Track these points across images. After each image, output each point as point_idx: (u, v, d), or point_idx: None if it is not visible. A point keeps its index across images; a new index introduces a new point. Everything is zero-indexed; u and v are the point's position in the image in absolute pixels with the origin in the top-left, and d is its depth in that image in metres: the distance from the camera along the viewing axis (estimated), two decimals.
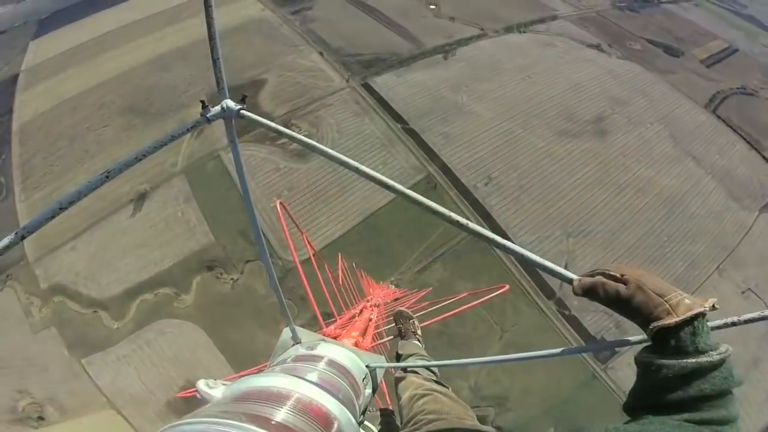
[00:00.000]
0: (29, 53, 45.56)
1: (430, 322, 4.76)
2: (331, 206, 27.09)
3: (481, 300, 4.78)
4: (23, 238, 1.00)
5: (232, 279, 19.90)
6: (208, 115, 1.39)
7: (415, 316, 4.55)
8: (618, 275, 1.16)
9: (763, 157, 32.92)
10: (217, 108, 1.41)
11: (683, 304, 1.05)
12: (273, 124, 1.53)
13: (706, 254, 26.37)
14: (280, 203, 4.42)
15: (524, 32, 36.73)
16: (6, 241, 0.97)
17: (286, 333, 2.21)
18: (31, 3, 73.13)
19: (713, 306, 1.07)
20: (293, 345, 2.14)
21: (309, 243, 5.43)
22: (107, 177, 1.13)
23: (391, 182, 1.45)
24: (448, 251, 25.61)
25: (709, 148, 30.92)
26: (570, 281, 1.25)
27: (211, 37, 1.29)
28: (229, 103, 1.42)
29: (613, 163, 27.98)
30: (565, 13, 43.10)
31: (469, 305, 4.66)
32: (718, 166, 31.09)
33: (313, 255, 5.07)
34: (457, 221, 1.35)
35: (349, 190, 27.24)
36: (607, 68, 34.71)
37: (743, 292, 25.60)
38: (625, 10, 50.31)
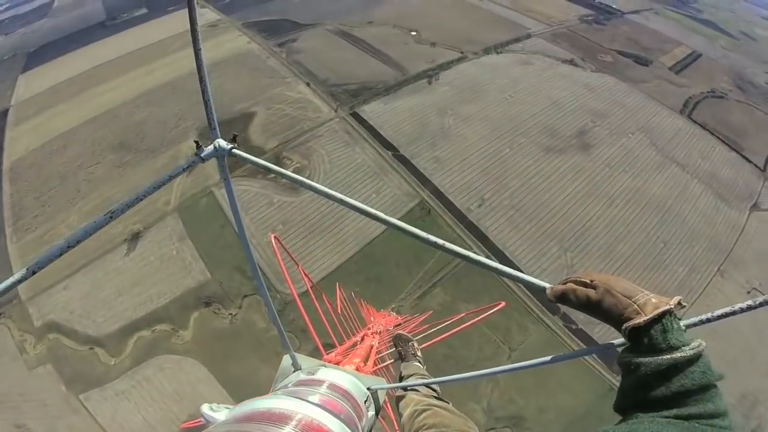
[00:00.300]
0: (18, 87, 42.80)
1: (430, 343, 4.63)
2: (327, 238, 26.30)
3: (480, 318, 4.61)
4: (34, 273, 1.08)
5: (230, 314, 19.72)
6: (202, 155, 1.46)
7: (414, 338, 4.43)
8: (588, 281, 1.22)
9: (744, 157, 33.77)
10: (210, 147, 1.47)
11: (650, 303, 1.09)
12: (262, 162, 1.59)
13: (704, 257, 26.30)
14: (275, 237, 4.18)
15: (501, 53, 37.52)
16: (18, 276, 1.05)
17: (286, 360, 2.17)
18: (20, 35, 72.26)
19: (680, 303, 1.10)
20: (294, 372, 2.11)
21: (305, 275, 5.20)
22: (111, 217, 1.26)
23: (374, 211, 1.49)
24: (447, 275, 24.91)
25: (690, 152, 31.52)
26: (543, 289, 1.29)
27: (201, 79, 1.38)
28: (221, 142, 1.48)
29: (601, 176, 28.16)
30: (538, 31, 44.43)
31: (468, 324, 4.49)
32: (702, 169, 31.61)
33: (311, 287, 4.87)
34: (434, 242, 1.42)
35: (344, 220, 26.57)
36: (584, 82, 35.40)
37: (749, 292, 25.38)
38: (593, 24, 52.34)
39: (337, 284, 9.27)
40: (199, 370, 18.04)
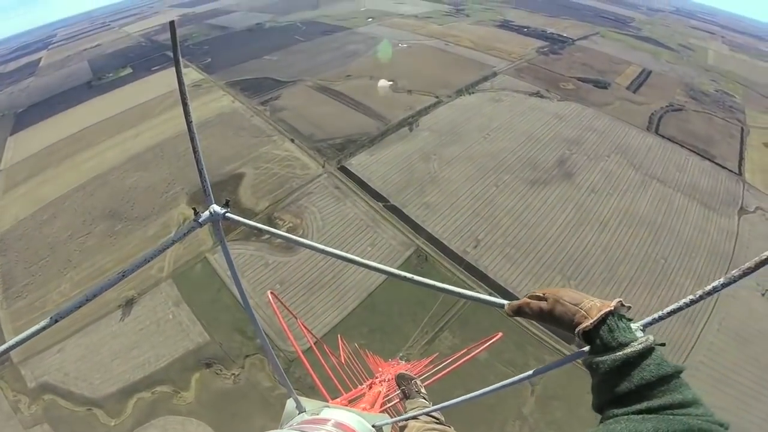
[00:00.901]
0: (7, 150, 42.38)
1: (433, 380, 4.76)
2: (326, 294, 25.12)
3: (480, 350, 4.76)
4: (56, 321, 1.19)
5: (233, 374, 19.61)
6: (200, 221, 1.60)
7: (417, 377, 4.51)
8: (541, 294, 1.33)
9: (718, 164, 34.62)
10: (206, 213, 1.61)
11: (595, 307, 1.19)
12: (255, 224, 1.73)
13: (707, 266, 25.80)
14: (272, 293, 4.30)
15: (473, 93, 38.75)
16: (42, 323, 1.15)
17: (291, 404, 2.13)
18: (7, 95, 72.89)
19: (621, 303, 1.20)
20: (299, 414, 2.08)
21: (306, 329, 5.19)
22: (123, 276, 1.38)
23: (371, 263, 1.60)
24: (453, 318, 23.72)
25: (667, 167, 32.04)
26: (501, 306, 1.41)
27: (195, 150, 1.50)
28: (216, 207, 1.61)
29: (588, 202, 28.07)
30: (503, 68, 46.60)
31: (469, 356, 4.61)
32: (682, 182, 32.07)
33: (315, 343, 4.89)
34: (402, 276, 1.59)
35: (343, 275, 25.49)
36: (553, 112, 36.14)
37: (763, 294, 25.01)
38: (550, 54, 55.52)
39: (339, 336, 8.93)
40: (205, 431, 17.67)
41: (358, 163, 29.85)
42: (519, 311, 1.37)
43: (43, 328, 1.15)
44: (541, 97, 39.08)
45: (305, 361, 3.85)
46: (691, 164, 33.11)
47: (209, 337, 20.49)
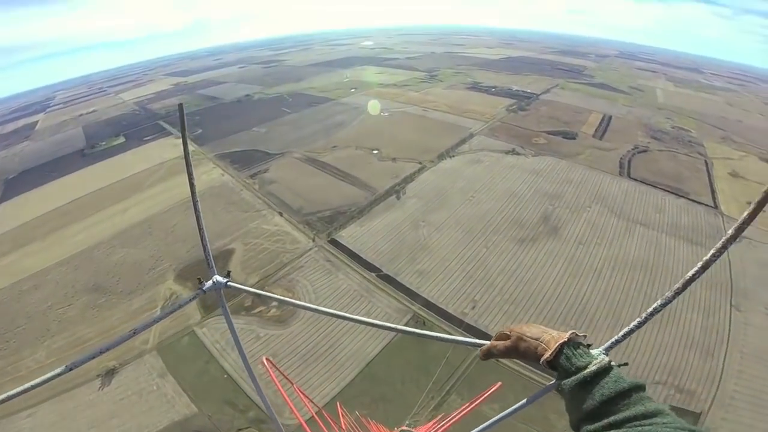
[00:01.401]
0: None
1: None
2: (323, 365, 23.35)
3: (480, 400, 4.85)
4: (71, 369, 1.30)
5: None
6: (204, 288, 1.84)
7: None
8: (507, 332, 1.55)
9: (693, 200, 35.53)
10: (210, 282, 1.85)
11: (553, 339, 1.42)
12: (256, 291, 2.04)
13: (711, 298, 24.95)
14: (267, 359, 4.32)
15: (453, 156, 40.94)
16: (58, 370, 1.26)
17: None
18: (0, 160, 71.22)
19: (576, 334, 1.44)
20: None
21: (304, 395, 4.97)
22: (134, 333, 1.52)
23: (371, 320, 1.73)
24: (460, 380, 22.17)
25: (646, 210, 32.79)
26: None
27: (200, 227, 1.78)
28: (218, 277, 1.85)
29: (578, 254, 28.02)
30: (478, 129, 49.84)
31: (470, 408, 4.63)
32: (664, 222, 32.72)
33: (316, 412, 4.83)
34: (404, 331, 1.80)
35: (339, 345, 24.02)
36: (530, 168, 37.40)
37: None
38: (518, 111, 60.04)
39: (338, 404, 8.30)
40: None
41: (348, 235, 30.12)
42: (489, 354, 1.57)
43: (59, 374, 1.21)
44: (517, 154, 41.32)
45: (308, 430, 3.85)
46: (668, 204, 34.05)
47: (197, 408, 19.68)
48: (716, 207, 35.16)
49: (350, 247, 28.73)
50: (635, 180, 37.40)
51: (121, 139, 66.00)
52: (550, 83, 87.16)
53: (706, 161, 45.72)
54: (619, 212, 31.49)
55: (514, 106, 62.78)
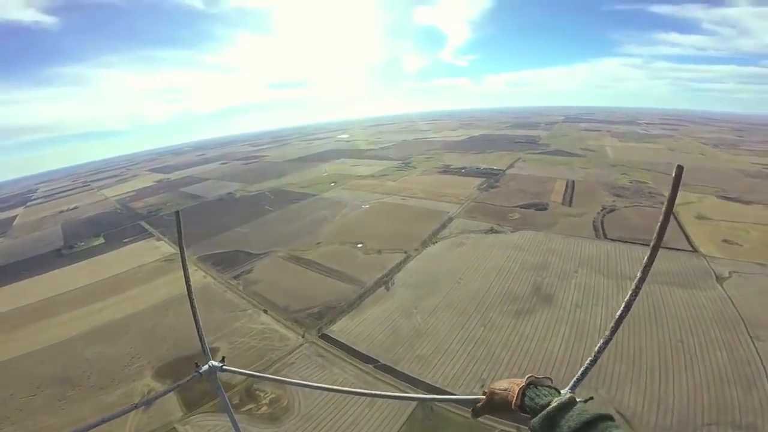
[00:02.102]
0: None
1: None
2: None
3: None
4: None
5: None
6: (200, 371, 2.18)
7: None
8: (484, 391, 1.95)
9: (672, 248, 36.85)
10: (206, 366, 2.19)
11: (517, 386, 1.79)
12: (252, 372, 3.34)
13: (727, 336, 24.35)
14: None
15: (436, 242, 43.46)
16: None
17: None
18: None
19: (534, 377, 1.82)
20: None
21: None
22: (135, 407, 2.68)
23: (375, 392, 2.41)
24: None
25: (631, 265, 34.31)
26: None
27: (194, 313, 2.44)
28: (213, 362, 2.21)
29: (578, 317, 28.09)
30: (455, 212, 54.37)
31: None
32: (652, 274, 34.59)
33: None
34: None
35: None
36: (512, 244, 39.72)
37: None
38: (489, 189, 66.67)
39: None
40: None
41: (339, 329, 29.88)
42: (476, 412, 1.93)
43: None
44: (496, 232, 44.60)
45: None
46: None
47: None
48: (695, 250, 37.87)
49: (343, 341, 28.30)
50: (612, 240, 40.43)
51: (101, 240, 65.96)
52: (512, 157, 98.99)
53: None
54: (605, 272, 33.25)
55: (484, 185, 69.46)
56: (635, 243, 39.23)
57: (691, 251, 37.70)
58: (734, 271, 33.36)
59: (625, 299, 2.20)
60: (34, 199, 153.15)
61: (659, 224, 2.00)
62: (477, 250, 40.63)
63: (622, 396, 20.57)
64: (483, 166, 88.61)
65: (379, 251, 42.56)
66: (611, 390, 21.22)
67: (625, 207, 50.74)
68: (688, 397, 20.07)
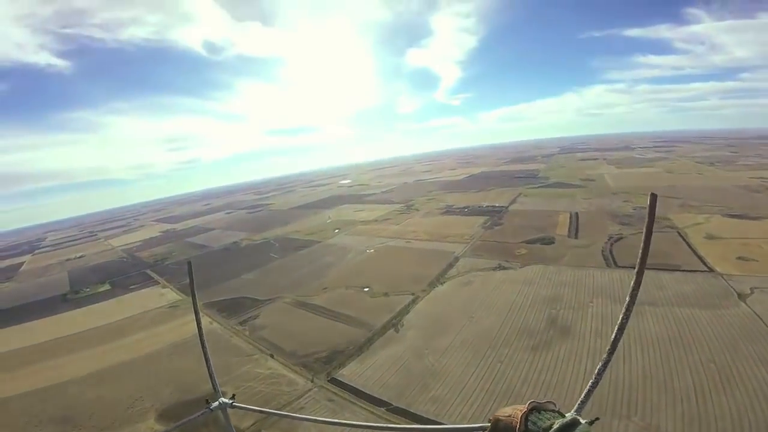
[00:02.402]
0: None
1: None
2: None
3: None
4: None
5: None
6: (210, 407, 2.57)
7: None
8: (489, 418, 2.01)
9: (686, 270, 36.70)
10: (216, 402, 2.61)
11: (520, 412, 1.83)
12: (262, 409, 2.98)
13: (759, 352, 23.53)
14: None
15: (444, 282, 43.25)
16: None
17: None
18: None
19: (537, 403, 1.87)
20: None
21: None
22: None
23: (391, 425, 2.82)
24: None
25: (647, 290, 32.64)
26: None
27: (206, 355, 2.97)
28: (224, 399, 2.66)
29: (599, 345, 26.48)
30: (461, 252, 55.01)
31: None
32: (669, 296, 33.04)
33: None
34: None
35: None
36: (521, 280, 39.46)
37: None
38: (493, 227, 66.19)
39: None
40: None
41: (349, 373, 29.06)
42: None
43: None
44: (504, 268, 44.58)
45: None
46: (666, 279, 35.85)
47: None
48: (711, 270, 37.61)
49: (353, 385, 27.45)
50: (624, 267, 40.32)
51: (107, 286, 67.30)
52: (513, 193, 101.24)
53: (678, 232, 50.35)
54: (622, 300, 32.36)
55: (488, 223, 70.26)
56: (648, 269, 38.64)
57: (707, 271, 37.53)
58: (755, 287, 33.11)
59: (618, 322, 2.29)
60: (42, 247, 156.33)
61: (641, 250, 2.14)
62: (486, 287, 40.27)
63: (660, 421, 19.68)
64: (485, 204, 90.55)
65: (386, 294, 42.46)
66: (646, 416, 20.40)
67: (633, 234, 51.01)
68: (731, 417, 19.28)
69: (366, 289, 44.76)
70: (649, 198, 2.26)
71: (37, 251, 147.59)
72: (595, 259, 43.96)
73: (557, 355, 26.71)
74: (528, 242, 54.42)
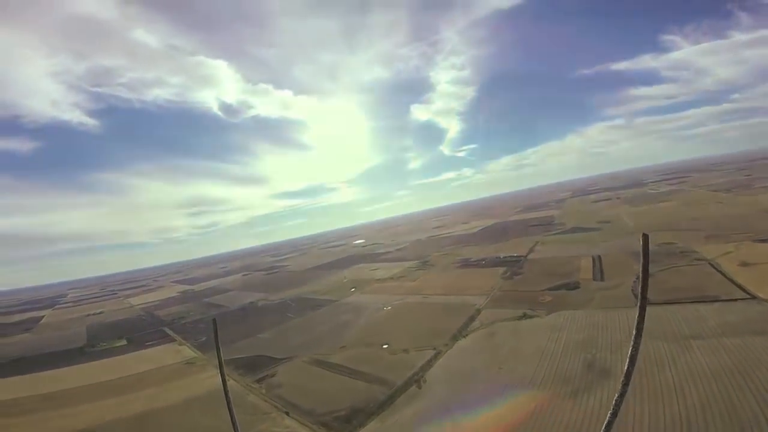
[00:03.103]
0: None
1: None
2: None
3: None
4: None
5: None
6: None
7: None
8: None
9: (726, 300, 36.20)
10: None
11: None
12: None
13: None
14: None
15: (467, 335, 42.66)
16: None
17: None
18: None
19: None
20: None
21: None
22: None
23: None
24: None
25: (689, 324, 32.41)
26: None
27: (230, 405, 3.62)
28: None
29: (645, 382, 25.39)
30: (483, 304, 54.48)
31: None
32: (714, 327, 31.42)
33: None
34: None
35: None
36: (549, 326, 38.92)
37: None
38: (513, 277, 66.76)
39: None
40: None
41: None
42: None
43: None
44: (530, 317, 43.57)
45: None
46: (706, 311, 34.83)
47: None
48: (753, 297, 36.61)
49: None
50: (658, 304, 39.07)
51: (123, 342, 68.73)
52: (530, 242, 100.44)
53: (710, 263, 49.43)
54: (663, 336, 31.33)
55: (507, 273, 69.51)
56: (684, 302, 38.08)
57: (749, 299, 36.61)
58: None
59: (629, 354, 2.35)
60: (63, 303, 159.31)
61: (640, 288, 2.24)
62: (513, 336, 39.12)
63: None
64: (502, 255, 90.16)
65: (406, 350, 41.50)
66: None
67: (660, 270, 49.88)
68: None
69: (385, 346, 43.99)
70: (641, 239, 2.37)
71: (57, 306, 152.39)
72: (626, 300, 42.74)
73: (601, 398, 25.40)
74: (552, 289, 53.49)
